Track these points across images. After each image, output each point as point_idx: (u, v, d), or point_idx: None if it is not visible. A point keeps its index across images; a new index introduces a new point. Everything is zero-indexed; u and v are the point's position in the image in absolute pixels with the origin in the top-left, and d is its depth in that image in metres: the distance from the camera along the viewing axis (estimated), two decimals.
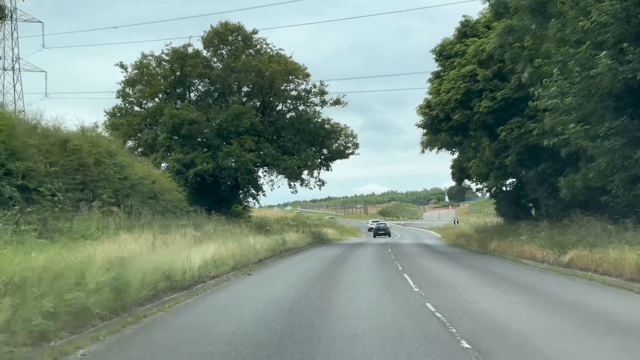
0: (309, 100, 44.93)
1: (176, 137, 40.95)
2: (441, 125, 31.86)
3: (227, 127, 40.85)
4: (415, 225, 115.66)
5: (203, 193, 42.56)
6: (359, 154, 47.82)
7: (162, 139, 40.48)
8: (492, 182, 35.34)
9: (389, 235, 69.54)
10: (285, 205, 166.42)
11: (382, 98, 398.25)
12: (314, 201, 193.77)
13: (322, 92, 44.88)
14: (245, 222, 39.72)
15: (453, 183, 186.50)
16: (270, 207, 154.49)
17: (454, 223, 70.49)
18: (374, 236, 69.69)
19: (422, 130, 39.21)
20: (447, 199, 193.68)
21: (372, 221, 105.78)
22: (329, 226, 72.63)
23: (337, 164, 49.08)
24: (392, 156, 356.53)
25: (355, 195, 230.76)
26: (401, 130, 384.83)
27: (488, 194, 50.48)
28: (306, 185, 47.59)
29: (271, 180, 45.29)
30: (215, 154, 40.45)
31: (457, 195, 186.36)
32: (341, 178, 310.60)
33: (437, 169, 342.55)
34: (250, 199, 49.82)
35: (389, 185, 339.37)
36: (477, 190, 45.94)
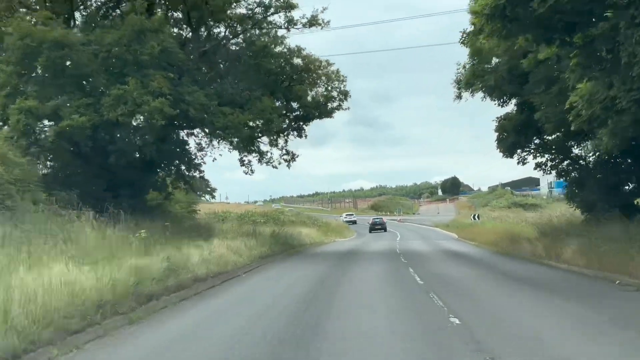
0: (267, 19, 27.39)
1: (35, 74, 23.68)
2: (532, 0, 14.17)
3: (120, 54, 23.41)
4: (413, 221, 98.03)
5: (89, 170, 25.41)
6: (348, 108, 30.39)
7: (5, 74, 22.99)
8: (607, 140, 17.92)
9: (385, 230, 67.36)
10: (269, 201, 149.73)
11: (369, 93, 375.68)
12: (300, 196, 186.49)
13: (289, 6, 27.36)
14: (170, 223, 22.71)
15: (446, 177, 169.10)
16: (258, 202, 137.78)
17: (474, 219, 54.03)
18: (370, 231, 67.55)
19: (468, 39, 21.89)
20: (440, 193, 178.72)
21: (347, 214, 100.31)
22: (309, 224, 54.96)
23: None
24: (380, 152, 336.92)
25: (344, 190, 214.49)
26: (389, 126, 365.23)
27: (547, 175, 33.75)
28: (268, 161, 30.30)
29: (202, 149, 27.70)
30: (100, 101, 22.99)
31: (451, 188, 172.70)
32: (329, 174, 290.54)
33: (428, 164, 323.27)
34: (182, 184, 32.17)
35: (377, 181, 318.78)
36: (537, 166, 28.66)
